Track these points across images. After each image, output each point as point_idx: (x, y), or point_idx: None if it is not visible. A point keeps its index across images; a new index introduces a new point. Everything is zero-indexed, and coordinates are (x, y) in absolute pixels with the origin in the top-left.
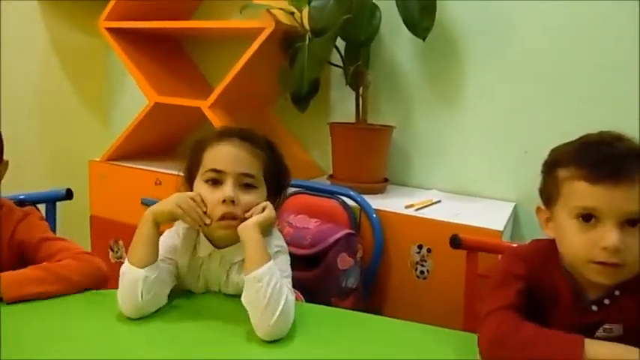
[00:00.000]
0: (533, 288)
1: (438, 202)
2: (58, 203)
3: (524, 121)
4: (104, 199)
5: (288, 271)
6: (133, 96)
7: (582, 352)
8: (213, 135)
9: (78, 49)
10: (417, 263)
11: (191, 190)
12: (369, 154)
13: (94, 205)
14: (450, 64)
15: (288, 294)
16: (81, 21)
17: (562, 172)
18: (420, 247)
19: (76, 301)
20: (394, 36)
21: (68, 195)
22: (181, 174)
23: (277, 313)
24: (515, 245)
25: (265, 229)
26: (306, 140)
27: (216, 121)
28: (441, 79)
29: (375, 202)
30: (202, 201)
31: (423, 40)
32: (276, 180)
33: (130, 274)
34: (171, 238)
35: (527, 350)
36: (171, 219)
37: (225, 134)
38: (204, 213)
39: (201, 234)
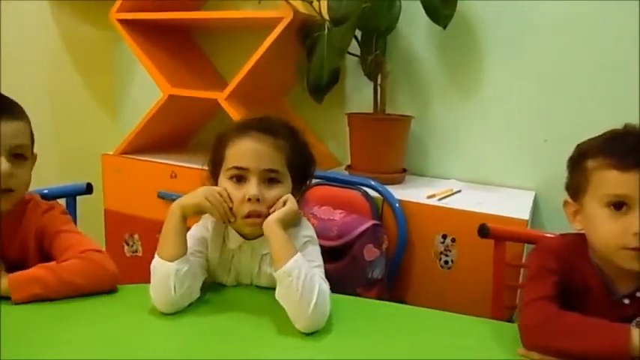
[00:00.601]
0: (564, 283)
1: (459, 191)
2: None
3: (543, 110)
4: (118, 192)
5: (319, 260)
6: (142, 89)
7: (629, 341)
8: (234, 129)
9: (87, 43)
10: (441, 253)
11: (216, 183)
12: (388, 145)
13: (107, 199)
14: (468, 53)
15: (321, 284)
16: (89, 15)
17: (591, 163)
18: (444, 236)
19: (102, 297)
20: (411, 25)
21: (88, 189)
22: (205, 168)
23: (312, 305)
24: (548, 235)
25: (288, 223)
26: (321, 131)
27: (233, 112)
28: (458, 68)
29: (396, 193)
30: (229, 197)
31: (444, 27)
32: (301, 168)
33: (161, 268)
34: (199, 231)
35: (570, 338)
36: (199, 212)
37: (246, 128)
38: (230, 209)
39: (229, 227)
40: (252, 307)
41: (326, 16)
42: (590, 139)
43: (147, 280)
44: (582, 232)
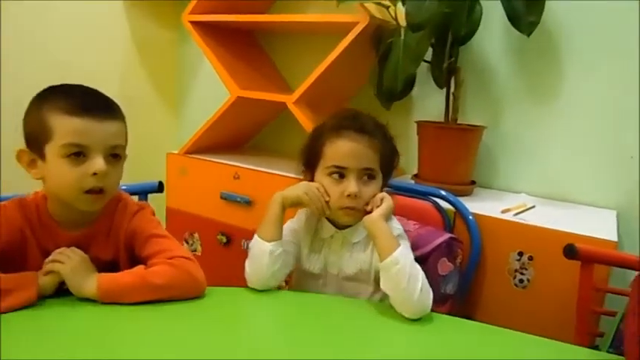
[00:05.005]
0: None
1: (533, 207)
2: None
3: (631, 125)
4: (181, 191)
5: (411, 255)
6: (205, 89)
7: None
8: (331, 128)
9: (154, 44)
10: (515, 271)
11: (311, 176)
12: (458, 155)
13: (170, 197)
14: (546, 61)
15: (422, 272)
16: (159, 15)
17: None
18: (520, 254)
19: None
20: (485, 31)
21: (160, 188)
22: (300, 177)
23: (419, 288)
24: None
25: (388, 218)
26: None
27: (300, 116)
28: (535, 77)
29: (467, 205)
30: (326, 192)
31: (528, 36)
32: (389, 164)
33: (258, 246)
34: (294, 224)
35: None
36: (297, 204)
37: (342, 128)
38: (327, 203)
39: (323, 218)
40: (337, 315)
41: (401, 22)
42: None
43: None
44: None
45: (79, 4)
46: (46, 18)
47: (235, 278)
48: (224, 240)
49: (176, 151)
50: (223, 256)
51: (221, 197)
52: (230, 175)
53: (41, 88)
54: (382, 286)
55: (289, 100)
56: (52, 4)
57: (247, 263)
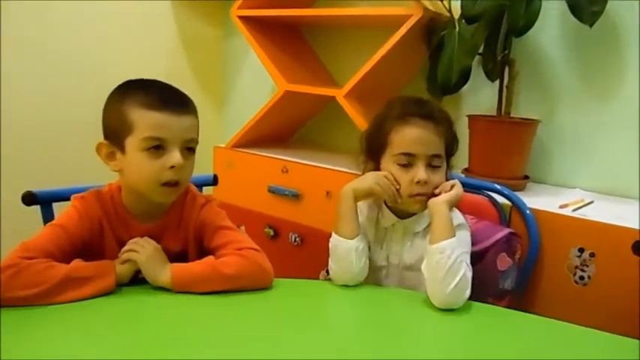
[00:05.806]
0: None
1: (591, 202)
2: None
3: None
4: (227, 184)
5: (468, 247)
6: (249, 84)
7: None
8: (397, 115)
9: (200, 40)
10: (576, 267)
11: (376, 165)
12: (512, 150)
13: (217, 190)
14: (608, 54)
15: (466, 270)
16: (206, 12)
17: None
18: (580, 250)
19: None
20: (541, 22)
21: (214, 181)
22: (358, 173)
23: (453, 284)
24: None
25: (453, 205)
26: None
27: (350, 110)
28: (594, 70)
29: (524, 200)
30: (395, 180)
31: (590, 26)
32: (451, 149)
33: (342, 245)
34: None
35: None
36: (369, 195)
37: (408, 115)
38: (397, 190)
39: (384, 207)
40: (396, 309)
41: (455, 14)
42: None
43: None
44: None
45: (128, 4)
46: (94, 17)
47: (283, 271)
48: (271, 233)
49: (222, 145)
50: (271, 249)
51: (269, 190)
52: (278, 169)
53: (95, 85)
54: (422, 267)
55: (339, 94)
56: (101, 4)
57: (333, 263)
